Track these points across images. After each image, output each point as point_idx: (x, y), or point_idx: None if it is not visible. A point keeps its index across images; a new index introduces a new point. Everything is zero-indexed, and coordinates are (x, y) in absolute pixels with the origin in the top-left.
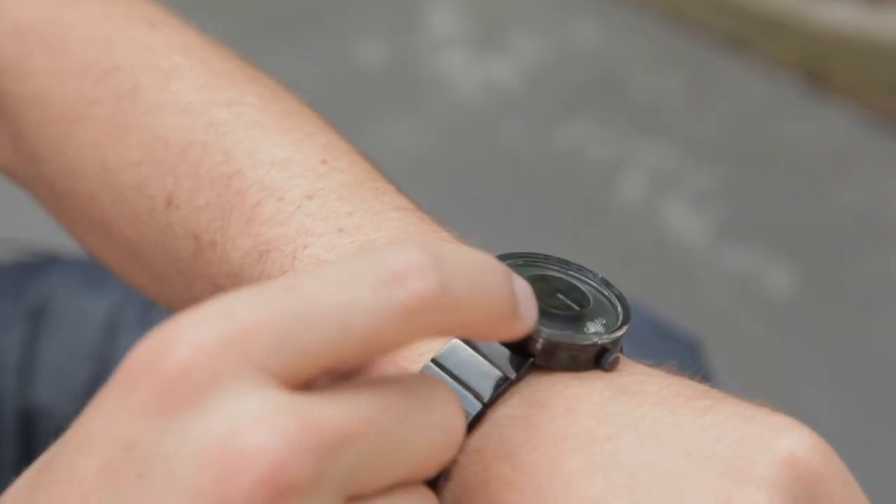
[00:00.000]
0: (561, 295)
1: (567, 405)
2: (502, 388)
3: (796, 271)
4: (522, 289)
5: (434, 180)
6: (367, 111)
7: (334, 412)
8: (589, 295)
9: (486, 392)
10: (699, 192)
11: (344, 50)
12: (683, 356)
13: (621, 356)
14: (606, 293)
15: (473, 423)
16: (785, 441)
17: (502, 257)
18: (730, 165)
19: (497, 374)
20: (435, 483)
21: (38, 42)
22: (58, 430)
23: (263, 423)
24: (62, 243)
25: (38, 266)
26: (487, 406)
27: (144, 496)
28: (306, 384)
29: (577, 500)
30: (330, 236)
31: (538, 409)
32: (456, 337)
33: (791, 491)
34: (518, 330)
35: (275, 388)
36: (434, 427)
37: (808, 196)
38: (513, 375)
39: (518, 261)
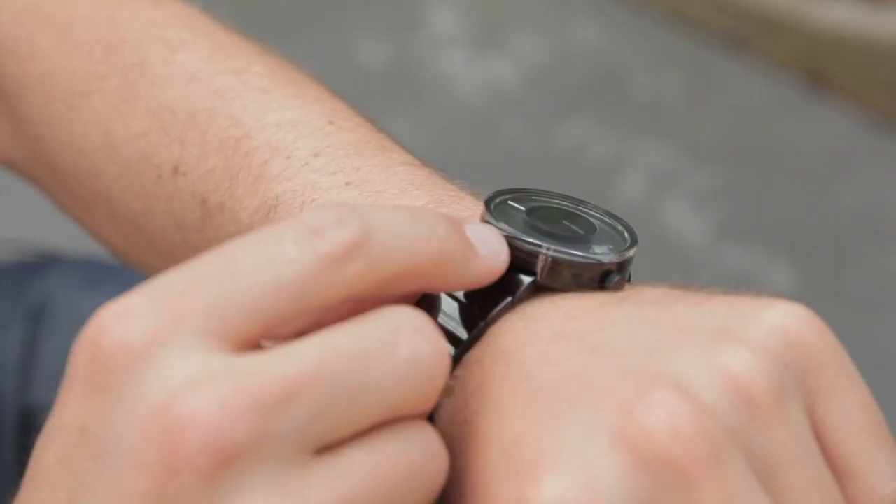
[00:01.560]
0: (566, 222)
1: (565, 313)
2: (501, 305)
3: (796, 271)
4: (479, 231)
5: None
6: (367, 110)
7: (275, 366)
8: (595, 223)
9: (486, 310)
10: (699, 192)
11: (345, 49)
12: None
13: (626, 282)
14: (611, 222)
15: (474, 340)
16: (777, 311)
17: (500, 193)
18: (730, 165)
19: (497, 292)
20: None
21: (43, 21)
22: None
23: (198, 388)
24: (62, 243)
25: (38, 266)
26: (487, 323)
27: (101, 477)
28: (255, 345)
29: (560, 377)
30: (338, 190)
31: (536, 319)
32: (420, 290)
33: (781, 356)
34: (480, 270)
35: (212, 351)
36: (402, 363)
37: (808, 196)
38: (513, 293)
39: (519, 194)
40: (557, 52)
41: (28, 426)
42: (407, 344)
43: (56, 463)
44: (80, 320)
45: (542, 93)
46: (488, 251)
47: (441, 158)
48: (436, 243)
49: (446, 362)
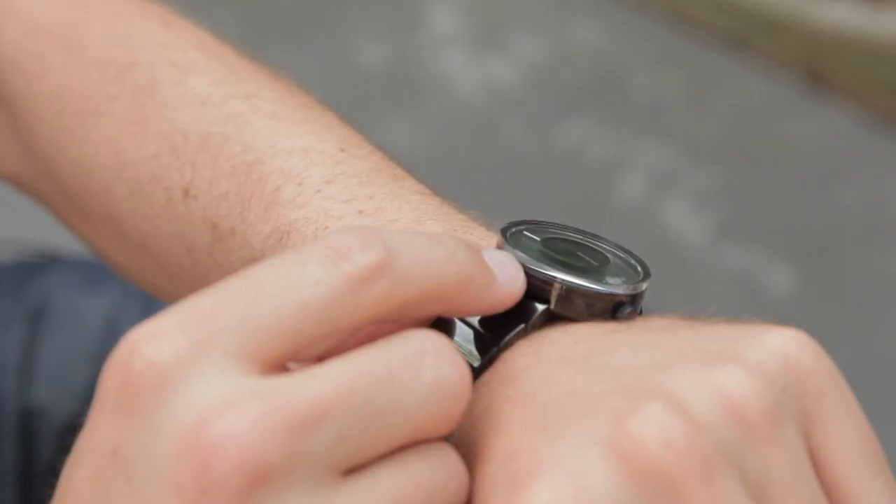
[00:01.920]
0: (581, 254)
1: (574, 339)
2: (514, 331)
3: (796, 271)
4: (497, 257)
5: (434, 180)
6: (367, 111)
7: (305, 388)
8: (609, 256)
9: (498, 337)
10: (699, 192)
11: (345, 49)
12: None
13: (637, 314)
14: (624, 256)
15: (486, 366)
16: (777, 336)
17: (515, 224)
18: (730, 165)
19: (511, 319)
20: None
21: (55, 40)
22: (58, 430)
23: (229, 409)
24: (62, 243)
25: (38, 266)
26: (500, 349)
27: (133, 498)
28: (282, 367)
29: (561, 395)
30: (351, 217)
31: (546, 345)
32: (440, 314)
33: (779, 379)
34: (498, 295)
35: (241, 372)
36: (426, 386)
37: (808, 196)
38: (527, 321)
39: (534, 225)
40: (557, 52)
41: (28, 426)
42: (430, 367)
43: (87, 484)
44: (80, 320)
45: (542, 93)
46: (506, 276)
47: (441, 158)
48: (455, 267)
49: (468, 384)
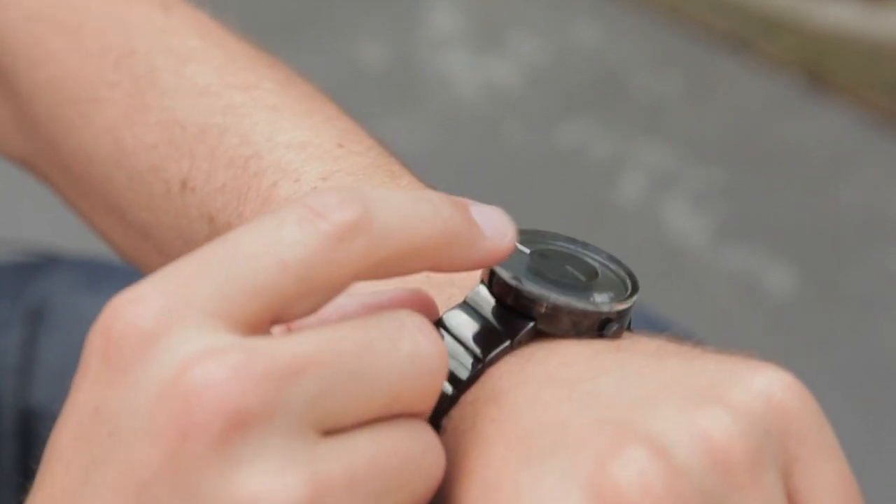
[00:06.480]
0: (569, 267)
1: (561, 360)
2: (500, 347)
3: (796, 271)
4: (486, 213)
5: (434, 180)
6: (367, 111)
7: (284, 345)
8: (598, 269)
9: (485, 352)
10: (699, 192)
11: (344, 49)
12: None
13: (625, 330)
14: (614, 268)
15: (472, 381)
16: (762, 376)
17: None
18: (730, 165)
19: (497, 335)
20: None
21: (54, 26)
22: None
23: (210, 358)
24: (62, 243)
25: (38, 266)
26: (485, 365)
27: (117, 452)
28: (265, 330)
29: (548, 424)
30: None
31: (532, 363)
32: (425, 271)
33: (761, 421)
34: (486, 250)
35: (223, 330)
36: (404, 356)
37: (808, 196)
38: (513, 337)
39: (525, 235)
40: (557, 52)
41: (28, 426)
42: (409, 338)
43: (71, 443)
44: (79, 320)
45: (542, 93)
46: (495, 232)
47: (441, 159)
48: (440, 222)
49: (445, 360)
